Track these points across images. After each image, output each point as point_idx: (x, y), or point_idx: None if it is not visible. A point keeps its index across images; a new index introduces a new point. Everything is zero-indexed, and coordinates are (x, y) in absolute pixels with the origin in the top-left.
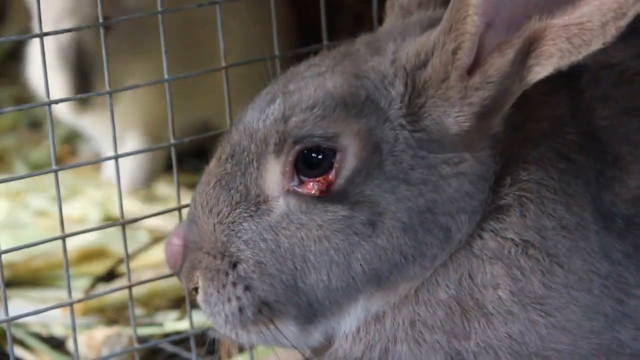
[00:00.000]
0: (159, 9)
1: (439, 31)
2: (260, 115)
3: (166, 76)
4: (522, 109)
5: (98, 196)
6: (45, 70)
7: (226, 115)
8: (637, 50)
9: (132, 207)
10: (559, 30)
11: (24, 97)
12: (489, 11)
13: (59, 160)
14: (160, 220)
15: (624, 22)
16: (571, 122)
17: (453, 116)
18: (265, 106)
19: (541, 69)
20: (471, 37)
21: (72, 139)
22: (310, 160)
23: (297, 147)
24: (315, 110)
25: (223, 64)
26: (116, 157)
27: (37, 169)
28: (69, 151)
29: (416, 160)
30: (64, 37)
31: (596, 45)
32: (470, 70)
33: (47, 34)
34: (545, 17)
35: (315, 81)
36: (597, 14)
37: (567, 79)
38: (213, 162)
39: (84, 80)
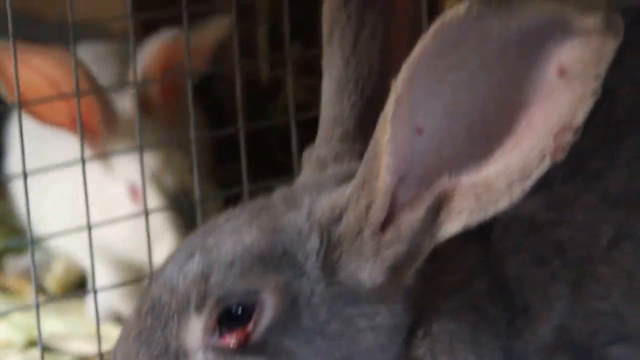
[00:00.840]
0: None
1: (353, 187)
2: (180, 272)
3: None
4: (433, 262)
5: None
6: None
7: None
8: (546, 201)
9: (56, 328)
10: (468, 189)
11: None
12: (401, 167)
13: None
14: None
15: (528, 184)
16: (482, 273)
17: (367, 271)
18: (184, 262)
19: (451, 226)
20: (384, 194)
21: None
22: (230, 315)
23: (219, 305)
24: (234, 268)
25: None
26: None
27: None
28: None
29: (332, 314)
30: None
31: (503, 204)
32: (384, 226)
33: None
34: (455, 174)
35: (233, 236)
36: (503, 175)
37: (478, 231)
38: (133, 315)
39: None
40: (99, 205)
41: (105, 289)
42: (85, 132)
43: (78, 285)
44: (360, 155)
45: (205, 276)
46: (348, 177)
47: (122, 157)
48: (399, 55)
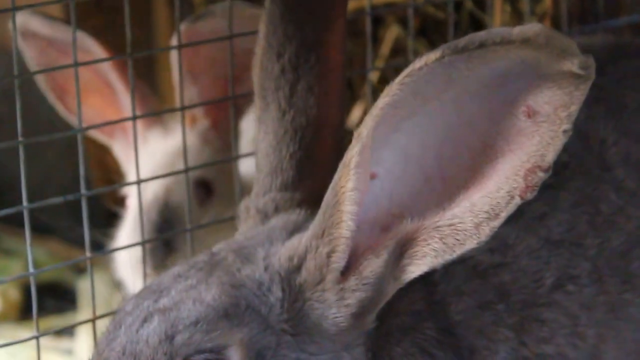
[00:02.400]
0: None
1: (311, 235)
2: (138, 336)
3: None
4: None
5: None
6: None
7: None
8: (488, 245)
9: None
10: (432, 232)
11: None
12: (360, 213)
13: None
14: None
15: (497, 223)
16: (429, 316)
17: (331, 318)
18: (140, 326)
19: (415, 268)
20: (346, 240)
21: None
22: None
23: None
24: (199, 326)
25: None
26: None
27: None
28: None
29: None
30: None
31: (471, 244)
32: (346, 272)
33: None
34: (416, 218)
35: (191, 295)
36: (469, 215)
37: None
38: None
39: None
40: None
41: None
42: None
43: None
44: (301, 205)
45: (169, 337)
46: (298, 227)
47: None
48: (333, 105)
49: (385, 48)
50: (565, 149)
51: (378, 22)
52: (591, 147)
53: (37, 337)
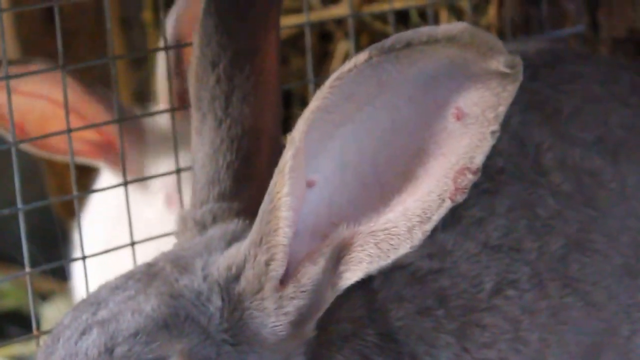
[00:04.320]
0: None
1: (249, 244)
2: (77, 349)
3: None
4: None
5: None
6: None
7: None
8: (427, 250)
9: None
10: (367, 237)
11: None
12: (299, 222)
13: None
14: None
15: (429, 226)
16: (370, 323)
17: (270, 326)
18: (79, 338)
19: (351, 275)
20: (283, 248)
21: None
22: None
23: None
24: (139, 337)
25: None
26: None
27: None
28: None
29: None
30: None
31: (404, 249)
32: (284, 280)
33: None
34: (352, 224)
35: (129, 306)
36: (402, 219)
37: (360, 280)
38: None
39: None
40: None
41: None
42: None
43: None
44: (239, 214)
45: (109, 349)
46: (237, 236)
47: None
48: (269, 114)
49: (336, 63)
50: (501, 153)
51: (327, 37)
52: (527, 151)
53: None
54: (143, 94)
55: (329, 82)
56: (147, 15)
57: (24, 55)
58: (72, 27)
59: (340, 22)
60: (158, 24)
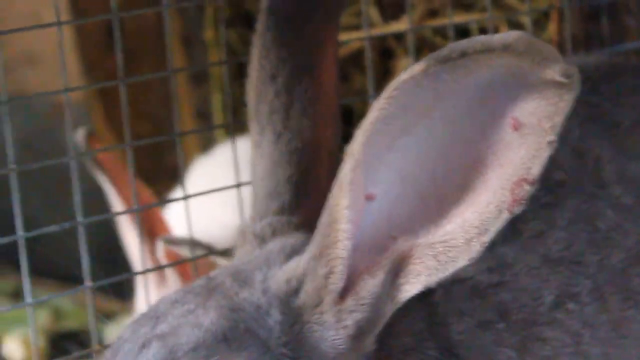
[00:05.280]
0: None
1: (308, 257)
2: None
3: None
4: (383, 325)
5: None
6: None
7: None
8: (487, 264)
9: None
10: (425, 249)
11: None
12: (358, 235)
13: None
14: None
15: (487, 238)
16: (430, 337)
17: (329, 340)
18: (138, 352)
19: (410, 288)
20: (343, 261)
21: None
22: None
23: None
24: (198, 351)
25: None
26: None
27: None
28: None
29: None
30: None
31: (462, 261)
32: (343, 294)
33: None
34: (410, 237)
35: (189, 320)
36: (460, 231)
37: (419, 294)
38: None
39: None
40: None
41: None
42: None
43: None
44: (298, 228)
45: None
46: (296, 250)
47: None
48: (328, 128)
49: None
50: (560, 166)
51: (388, 54)
52: (586, 164)
53: None
54: (204, 112)
55: (386, 93)
56: (208, 33)
57: (86, 73)
58: (133, 47)
59: (400, 38)
60: (219, 41)
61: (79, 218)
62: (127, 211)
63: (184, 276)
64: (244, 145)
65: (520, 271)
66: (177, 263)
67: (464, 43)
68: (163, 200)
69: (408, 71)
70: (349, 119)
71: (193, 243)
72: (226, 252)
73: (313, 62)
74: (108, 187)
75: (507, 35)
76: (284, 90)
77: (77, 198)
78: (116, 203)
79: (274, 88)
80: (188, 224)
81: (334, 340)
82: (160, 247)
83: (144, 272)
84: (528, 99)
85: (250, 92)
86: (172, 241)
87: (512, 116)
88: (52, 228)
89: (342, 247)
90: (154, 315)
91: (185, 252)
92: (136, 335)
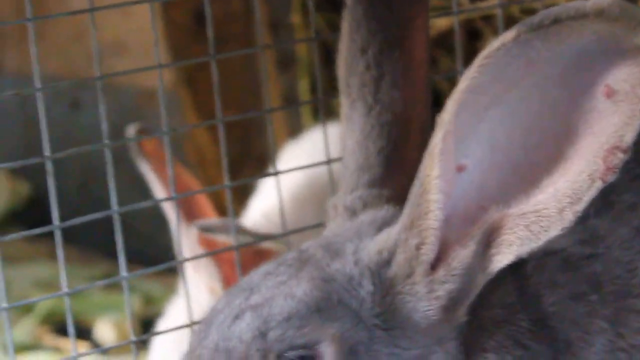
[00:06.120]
0: None
1: (400, 228)
2: (231, 333)
3: None
4: (474, 297)
5: None
6: None
7: None
8: (579, 236)
9: None
10: (517, 219)
11: None
12: (449, 207)
13: None
14: None
15: (580, 207)
16: (522, 309)
17: (422, 311)
18: (232, 323)
19: (502, 258)
20: (434, 231)
21: None
22: None
23: None
24: (292, 321)
25: None
26: None
27: None
28: None
29: (391, 358)
30: None
31: (555, 231)
32: (435, 264)
33: None
34: (501, 207)
35: (282, 290)
36: (552, 200)
37: (511, 266)
38: None
39: None
40: None
41: None
42: None
43: None
44: (389, 201)
45: (262, 333)
46: (387, 222)
47: None
48: (418, 102)
49: None
50: None
51: (476, 35)
52: None
53: None
54: (291, 97)
55: (477, 62)
56: (295, 17)
57: (174, 59)
58: (222, 35)
59: (488, 19)
60: (306, 25)
61: (114, 207)
62: (168, 199)
63: (220, 261)
64: (332, 130)
65: (613, 243)
66: (222, 250)
67: (556, 9)
68: (204, 188)
69: (499, 39)
70: (437, 101)
71: (235, 229)
72: (267, 237)
73: (403, 36)
74: (152, 177)
75: (601, 1)
76: (375, 63)
77: (111, 184)
78: (159, 192)
79: (365, 61)
80: (280, 206)
81: (426, 311)
82: (194, 233)
83: (184, 261)
84: (621, 65)
85: (340, 66)
86: (207, 228)
87: (604, 83)
88: (147, 203)
89: (434, 218)
90: (248, 286)
91: (221, 238)
92: (230, 306)
